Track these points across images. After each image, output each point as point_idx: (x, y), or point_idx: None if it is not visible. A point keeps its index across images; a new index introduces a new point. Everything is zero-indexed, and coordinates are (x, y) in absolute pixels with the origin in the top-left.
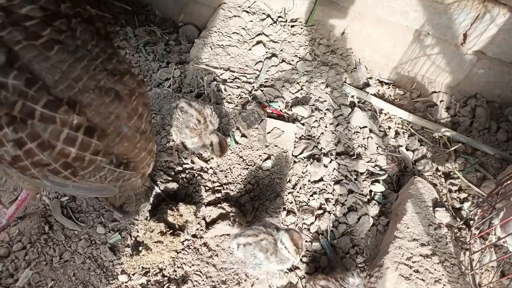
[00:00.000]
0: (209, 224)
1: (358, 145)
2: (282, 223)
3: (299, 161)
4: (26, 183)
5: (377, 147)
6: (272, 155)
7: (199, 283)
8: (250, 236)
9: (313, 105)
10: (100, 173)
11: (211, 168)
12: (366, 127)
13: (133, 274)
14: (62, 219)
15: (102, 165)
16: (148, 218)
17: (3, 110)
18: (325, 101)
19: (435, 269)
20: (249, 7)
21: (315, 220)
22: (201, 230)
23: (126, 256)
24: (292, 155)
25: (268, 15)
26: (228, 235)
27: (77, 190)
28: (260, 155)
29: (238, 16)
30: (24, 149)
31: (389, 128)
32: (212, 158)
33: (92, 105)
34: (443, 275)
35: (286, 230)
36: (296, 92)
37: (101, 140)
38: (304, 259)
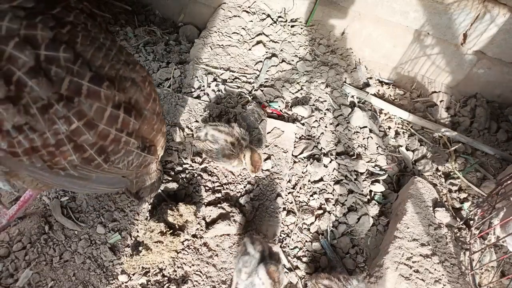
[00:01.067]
0: (209, 224)
1: (358, 145)
2: (282, 223)
3: (299, 161)
4: (40, 185)
5: (377, 147)
6: (272, 155)
7: (199, 283)
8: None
9: (313, 105)
10: (129, 158)
11: (215, 168)
12: (366, 127)
13: (133, 274)
14: (62, 219)
15: (132, 149)
16: (148, 218)
17: (53, 88)
18: (325, 101)
19: (435, 269)
20: (249, 7)
21: (315, 220)
22: (201, 230)
23: (126, 256)
24: (292, 155)
25: (268, 15)
26: (228, 235)
27: (95, 184)
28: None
29: (238, 16)
30: (71, 128)
31: (389, 128)
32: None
33: None
34: (443, 275)
35: (265, 263)
36: (296, 92)
37: (137, 119)
38: (304, 259)
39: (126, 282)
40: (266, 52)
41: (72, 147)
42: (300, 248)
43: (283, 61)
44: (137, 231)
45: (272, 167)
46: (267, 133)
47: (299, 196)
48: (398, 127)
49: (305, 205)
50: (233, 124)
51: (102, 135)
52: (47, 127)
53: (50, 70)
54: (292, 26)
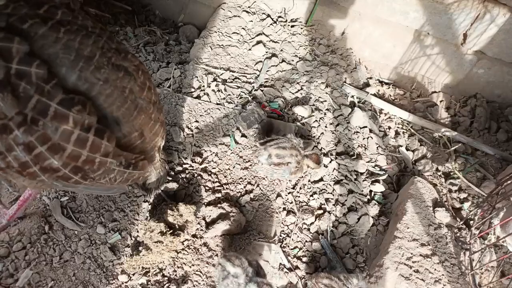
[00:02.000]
0: (209, 224)
1: (358, 145)
2: (282, 223)
3: None
4: (39, 184)
5: (377, 147)
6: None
7: (199, 283)
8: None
9: (313, 105)
10: (110, 175)
11: (213, 168)
12: (366, 127)
13: (133, 274)
14: (62, 219)
15: (112, 167)
16: (148, 218)
17: (19, 106)
18: (325, 101)
19: (435, 269)
20: (249, 7)
21: (315, 220)
22: (201, 230)
23: (126, 256)
24: None
25: (268, 15)
26: (228, 235)
27: (88, 190)
28: None
29: (238, 16)
30: (33, 153)
31: (389, 128)
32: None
33: (109, 80)
34: (443, 275)
35: (258, 284)
36: (296, 92)
37: (111, 142)
38: (304, 259)
39: (126, 282)
40: (266, 52)
41: (38, 169)
42: (300, 248)
43: (283, 61)
44: (137, 231)
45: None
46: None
47: (299, 196)
48: (398, 127)
49: (305, 205)
50: (288, 135)
51: (71, 156)
52: (6, 151)
53: (19, 86)
54: (292, 26)
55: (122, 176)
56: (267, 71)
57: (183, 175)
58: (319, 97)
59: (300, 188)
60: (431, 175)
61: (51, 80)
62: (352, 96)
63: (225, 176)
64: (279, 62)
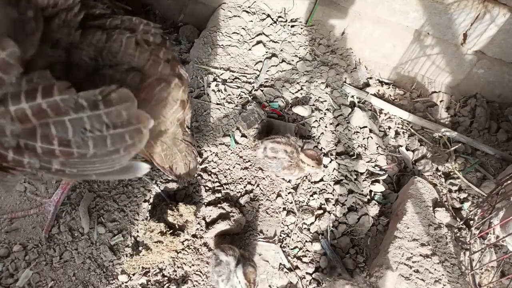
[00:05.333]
0: (209, 224)
1: (358, 145)
2: (282, 223)
3: None
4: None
5: (377, 147)
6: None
7: (199, 283)
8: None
9: (313, 105)
10: (83, 125)
11: (212, 168)
12: (366, 127)
13: (133, 274)
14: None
15: (71, 108)
16: (148, 218)
17: None
18: (325, 101)
19: (435, 269)
20: (249, 7)
21: (315, 220)
22: (201, 230)
23: (126, 256)
24: None
25: (268, 15)
26: (228, 235)
27: (99, 172)
28: None
29: (238, 16)
30: None
31: (389, 128)
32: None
33: None
34: (443, 275)
35: (243, 264)
36: (296, 92)
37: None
38: (304, 259)
39: (126, 282)
40: (266, 52)
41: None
42: (300, 248)
43: (283, 61)
44: (137, 231)
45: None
46: (267, 133)
47: (299, 196)
48: (398, 127)
49: (305, 205)
50: (288, 134)
51: (19, 117)
52: None
53: None
54: (292, 26)
55: (101, 124)
56: (267, 71)
57: None
58: (319, 97)
59: (301, 188)
60: (431, 175)
61: None
62: (352, 96)
63: (225, 176)
64: (279, 62)
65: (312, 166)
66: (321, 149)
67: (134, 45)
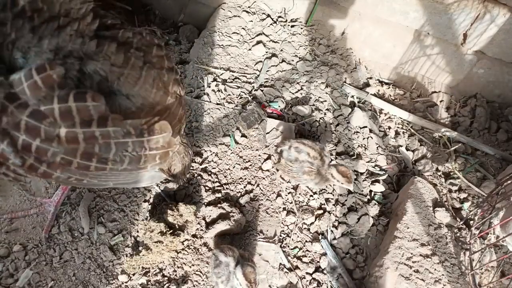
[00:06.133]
0: (209, 224)
1: (358, 145)
2: (282, 223)
3: None
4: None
5: (377, 147)
6: (272, 155)
7: (199, 283)
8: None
9: (313, 105)
10: (128, 150)
11: (212, 168)
12: (366, 127)
13: (133, 274)
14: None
15: (121, 139)
16: (148, 218)
17: None
18: (325, 101)
19: (435, 269)
20: (249, 7)
21: (315, 220)
22: (201, 230)
23: (126, 256)
24: None
25: (268, 15)
26: (228, 235)
27: (117, 181)
28: (260, 155)
29: (238, 16)
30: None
31: (389, 128)
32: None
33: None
34: (443, 275)
35: (242, 264)
36: (296, 92)
37: (97, 100)
38: (304, 259)
39: (126, 282)
40: (266, 52)
41: (46, 167)
42: (300, 248)
43: (283, 61)
44: (137, 231)
45: (272, 167)
46: (267, 133)
47: (299, 196)
48: (398, 127)
49: (305, 205)
50: (317, 142)
51: (68, 139)
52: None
53: None
54: (292, 26)
55: (141, 148)
56: (267, 71)
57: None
58: (319, 97)
59: (300, 188)
60: (431, 175)
61: None
62: (352, 96)
63: (225, 176)
64: (279, 62)
65: (342, 183)
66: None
67: (152, 81)
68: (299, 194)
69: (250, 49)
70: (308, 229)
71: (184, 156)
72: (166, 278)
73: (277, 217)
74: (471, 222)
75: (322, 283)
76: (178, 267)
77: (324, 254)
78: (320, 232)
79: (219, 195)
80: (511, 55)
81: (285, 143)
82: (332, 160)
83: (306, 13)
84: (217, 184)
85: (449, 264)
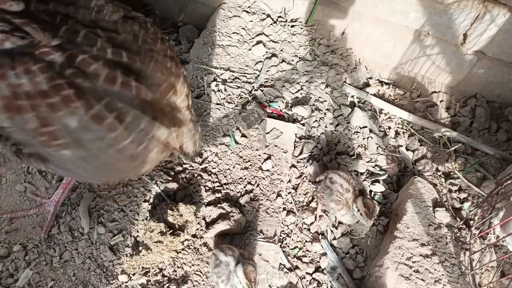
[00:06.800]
0: (209, 224)
1: (358, 145)
2: (282, 223)
3: (299, 161)
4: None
5: (377, 147)
6: (272, 155)
7: (199, 283)
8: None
9: (313, 105)
10: (138, 129)
11: (212, 168)
12: (366, 127)
13: (133, 274)
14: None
15: (133, 116)
16: (148, 218)
17: None
18: (325, 101)
19: (435, 269)
20: (249, 7)
21: (315, 220)
22: (201, 230)
23: (126, 256)
24: (292, 155)
25: (268, 15)
26: (228, 235)
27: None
28: (260, 155)
29: (238, 16)
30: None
31: (389, 128)
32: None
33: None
34: (443, 275)
35: (242, 263)
36: (296, 92)
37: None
38: (304, 259)
39: (126, 282)
40: (266, 52)
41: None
42: (300, 248)
43: (283, 61)
44: (137, 231)
45: (272, 167)
46: (267, 133)
47: (299, 196)
48: (398, 127)
49: (305, 205)
50: (355, 176)
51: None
52: None
53: None
54: (292, 26)
55: (151, 129)
56: (267, 71)
57: (183, 175)
58: (319, 97)
59: (300, 188)
60: (431, 175)
61: None
62: (352, 96)
63: (225, 176)
64: (279, 62)
65: (361, 214)
66: (321, 149)
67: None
68: (299, 194)
69: (250, 49)
70: (308, 229)
71: (194, 133)
72: (166, 278)
73: (277, 217)
74: (471, 222)
75: (322, 283)
76: (178, 267)
77: (324, 254)
78: (320, 232)
79: (219, 195)
80: (511, 55)
81: (323, 174)
82: (366, 195)
83: (306, 13)
84: (217, 184)
85: (449, 264)
